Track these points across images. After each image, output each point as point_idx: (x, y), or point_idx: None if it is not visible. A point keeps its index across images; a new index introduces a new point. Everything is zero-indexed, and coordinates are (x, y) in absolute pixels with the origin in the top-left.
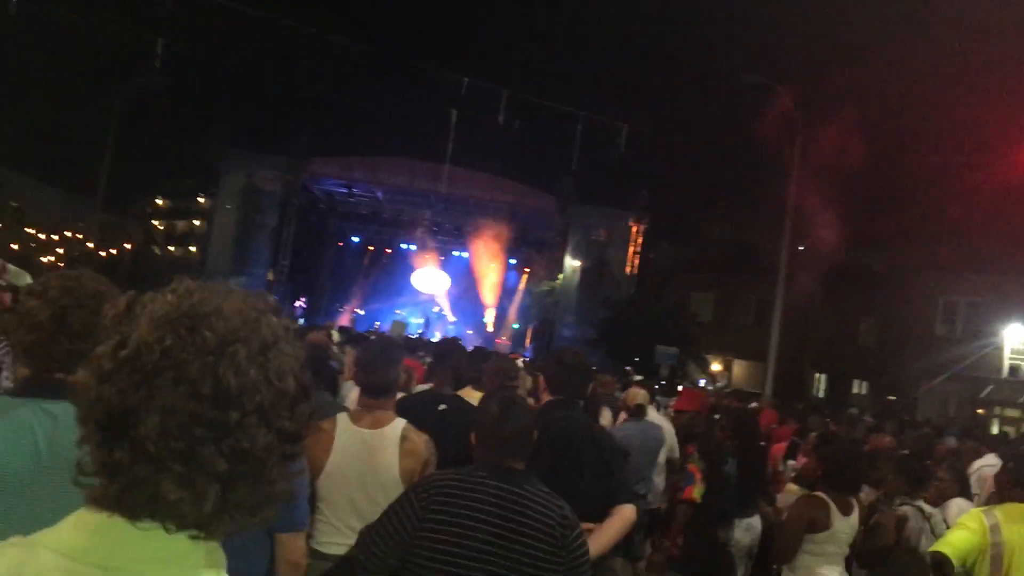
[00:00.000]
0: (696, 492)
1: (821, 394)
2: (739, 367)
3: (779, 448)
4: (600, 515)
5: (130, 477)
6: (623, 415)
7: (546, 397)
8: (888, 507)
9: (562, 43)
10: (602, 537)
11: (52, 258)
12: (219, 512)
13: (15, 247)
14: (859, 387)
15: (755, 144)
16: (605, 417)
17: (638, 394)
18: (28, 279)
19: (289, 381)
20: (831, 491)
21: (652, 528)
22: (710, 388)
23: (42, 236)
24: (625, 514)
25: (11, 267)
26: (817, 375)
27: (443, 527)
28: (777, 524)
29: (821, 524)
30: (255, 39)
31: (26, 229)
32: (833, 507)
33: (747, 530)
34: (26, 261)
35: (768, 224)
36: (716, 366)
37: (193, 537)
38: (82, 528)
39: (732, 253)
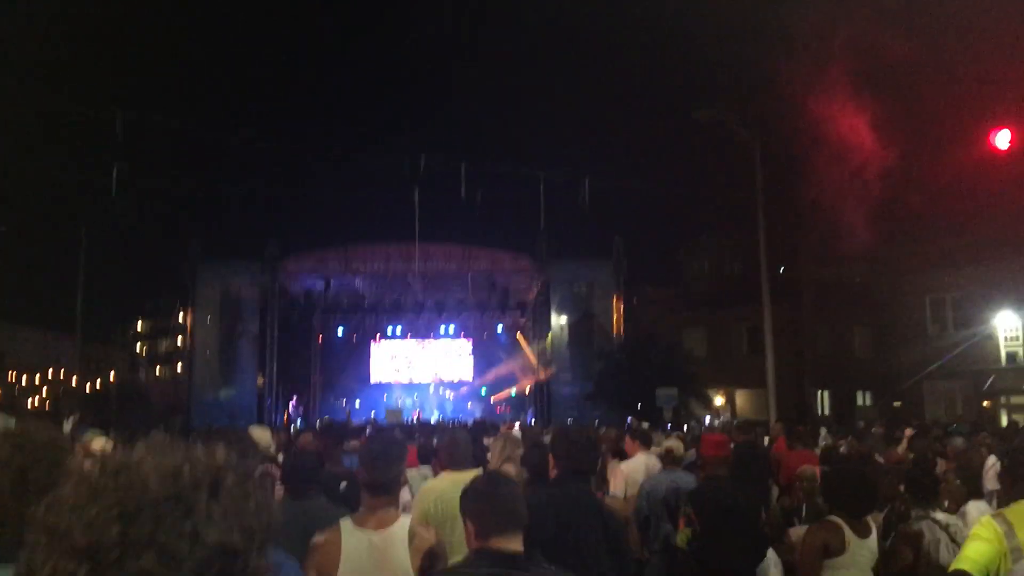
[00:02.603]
0: (680, 539)
1: (827, 411)
2: (741, 397)
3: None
4: None
5: None
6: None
7: (554, 472)
8: (904, 524)
9: (513, 104)
10: None
11: (37, 399)
12: None
13: None
14: (863, 398)
15: (720, 175)
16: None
17: (678, 447)
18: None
19: (178, 540)
20: (843, 514)
21: None
22: (716, 423)
23: (24, 379)
24: None
25: None
26: (820, 392)
27: None
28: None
29: (836, 548)
30: (211, 151)
31: (8, 374)
32: (847, 530)
33: (774, 564)
34: (10, 406)
35: (747, 252)
36: (719, 399)
37: None
38: None
39: (716, 286)
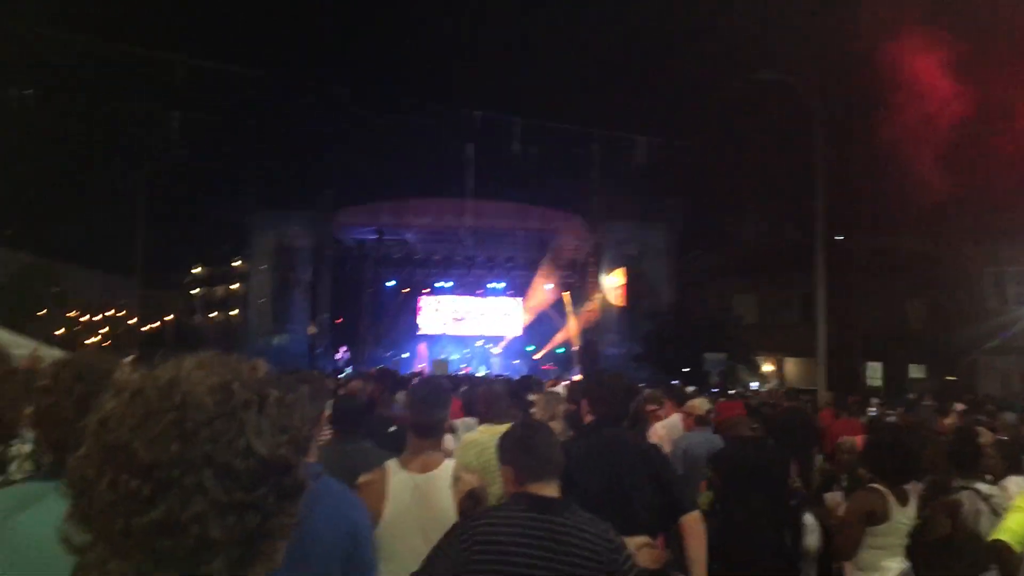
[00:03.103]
0: (701, 501)
1: (878, 383)
2: (791, 365)
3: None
4: (658, 528)
5: (89, 559)
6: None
7: (589, 419)
8: (944, 495)
9: (569, 62)
10: (697, 559)
11: (97, 338)
12: None
13: (59, 332)
14: (916, 372)
15: (779, 138)
16: (657, 434)
17: (703, 403)
18: None
19: (234, 456)
20: (884, 482)
21: None
22: (762, 389)
23: (84, 318)
24: (694, 526)
25: (44, 351)
26: (871, 364)
27: (489, 566)
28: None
29: (880, 516)
30: (270, 99)
31: (68, 314)
32: (891, 498)
33: (814, 531)
34: (71, 344)
35: (803, 218)
36: (767, 367)
37: None
38: None
39: (769, 252)
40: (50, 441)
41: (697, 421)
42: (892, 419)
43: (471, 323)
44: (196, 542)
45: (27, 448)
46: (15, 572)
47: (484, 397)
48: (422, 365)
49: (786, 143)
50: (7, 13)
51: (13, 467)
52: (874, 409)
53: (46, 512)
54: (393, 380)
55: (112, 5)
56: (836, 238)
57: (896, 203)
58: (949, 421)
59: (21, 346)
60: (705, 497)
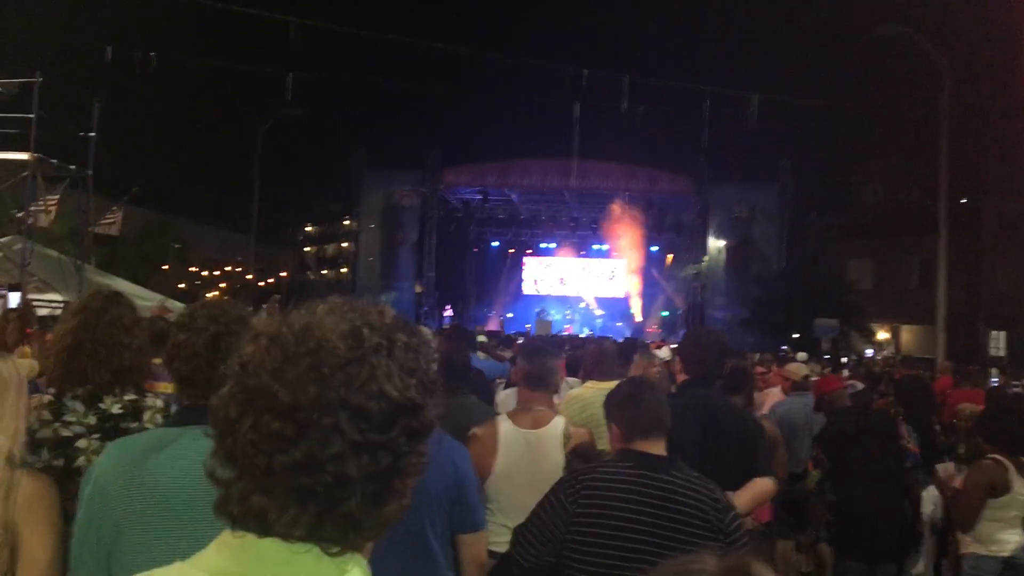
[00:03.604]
0: (809, 481)
1: (1001, 353)
2: (907, 333)
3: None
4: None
5: (232, 493)
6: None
7: (682, 378)
8: None
9: (679, 18)
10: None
11: (216, 292)
12: (329, 528)
13: (181, 286)
14: None
15: (900, 97)
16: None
17: (799, 368)
18: None
19: (367, 398)
20: (1006, 453)
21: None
22: (878, 358)
23: (204, 273)
24: (760, 486)
25: (172, 303)
26: (994, 333)
27: (595, 520)
28: (952, 493)
29: (1001, 488)
30: (379, 60)
31: (190, 268)
32: (1012, 469)
33: (934, 502)
34: (192, 297)
35: (924, 180)
36: (883, 334)
37: (329, 553)
38: (224, 550)
39: (888, 214)
40: (179, 375)
41: (794, 387)
42: (1017, 390)
43: (575, 284)
44: (334, 479)
45: (159, 402)
46: (155, 511)
47: (594, 355)
48: (527, 326)
49: (909, 100)
50: None
51: (146, 417)
52: (996, 379)
53: (180, 455)
54: (466, 337)
55: None
56: (960, 201)
57: None
58: None
59: (146, 299)
60: (812, 477)
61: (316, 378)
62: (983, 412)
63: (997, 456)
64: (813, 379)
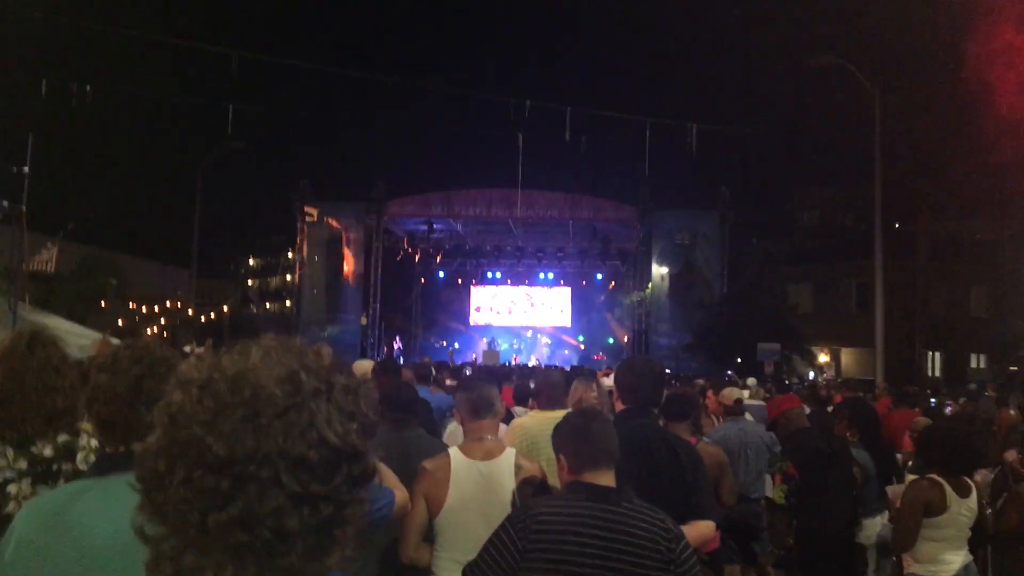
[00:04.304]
0: (775, 494)
1: (937, 373)
2: (847, 355)
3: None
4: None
5: (164, 551)
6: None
7: (620, 406)
8: (1018, 485)
9: (619, 49)
10: None
11: (155, 328)
12: None
13: (120, 323)
14: (976, 361)
15: (835, 125)
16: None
17: (732, 393)
18: None
19: (307, 447)
20: (943, 473)
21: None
22: (820, 380)
23: (144, 309)
24: (699, 529)
25: (113, 341)
26: (930, 354)
27: (547, 556)
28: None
29: (937, 507)
30: (322, 92)
31: (129, 304)
32: (948, 489)
33: (887, 525)
34: (131, 334)
35: (859, 205)
36: (823, 357)
37: None
38: None
39: (825, 239)
40: (100, 419)
41: (726, 412)
42: (950, 410)
43: (521, 314)
44: (273, 534)
45: (94, 442)
46: (83, 568)
47: (542, 385)
48: (473, 355)
49: (843, 128)
50: (67, 9)
51: (79, 458)
52: (933, 400)
53: (105, 506)
54: (394, 368)
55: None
56: (895, 225)
57: (959, 189)
58: (1012, 414)
59: (84, 336)
60: (779, 491)
61: (253, 429)
62: (922, 435)
63: (934, 476)
64: (755, 403)
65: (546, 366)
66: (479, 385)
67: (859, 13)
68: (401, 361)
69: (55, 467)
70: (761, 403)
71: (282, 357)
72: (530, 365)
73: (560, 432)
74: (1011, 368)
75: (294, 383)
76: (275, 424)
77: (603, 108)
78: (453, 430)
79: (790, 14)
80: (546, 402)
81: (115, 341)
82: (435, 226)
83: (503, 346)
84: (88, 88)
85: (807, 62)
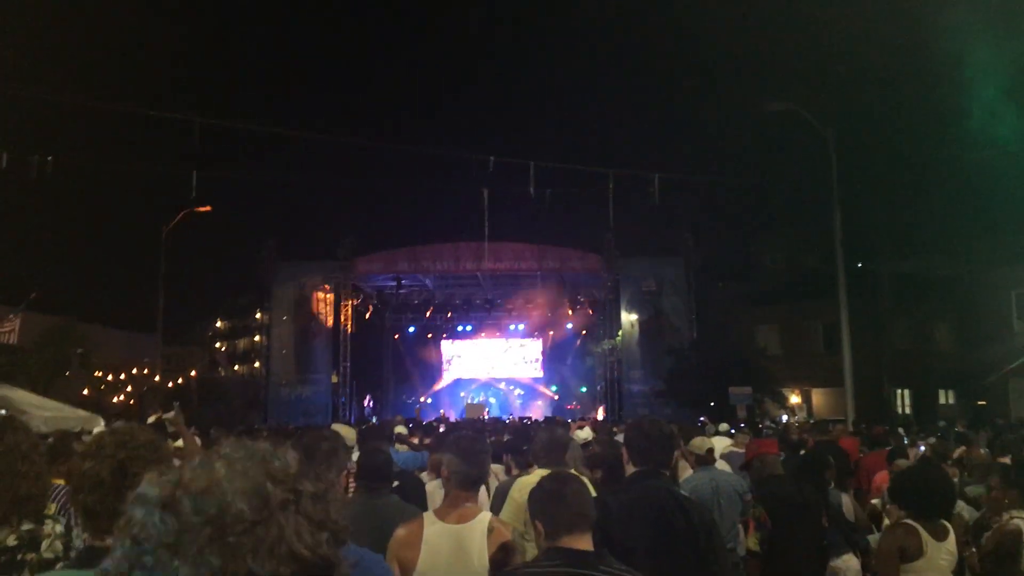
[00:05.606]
0: (750, 542)
1: (907, 410)
2: (818, 396)
3: (882, 478)
4: None
5: None
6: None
7: (630, 469)
8: (996, 523)
9: (583, 105)
10: None
11: (121, 397)
12: None
13: (85, 392)
14: (945, 397)
15: (793, 169)
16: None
17: (703, 442)
18: (101, 424)
19: (277, 563)
20: (917, 518)
21: None
22: (793, 422)
23: (109, 378)
24: None
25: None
26: (899, 391)
27: None
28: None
29: (913, 552)
30: (285, 152)
31: (94, 373)
32: (924, 533)
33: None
34: (97, 404)
35: (821, 246)
36: (795, 398)
37: None
38: None
39: (789, 281)
40: (85, 507)
41: (697, 461)
42: (922, 449)
43: (493, 366)
44: None
45: (59, 528)
46: None
47: (545, 443)
48: (442, 411)
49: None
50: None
51: (44, 546)
52: (906, 439)
53: None
54: (375, 432)
55: (124, 69)
56: (858, 265)
57: (919, 227)
58: (982, 452)
59: (48, 409)
60: (754, 538)
61: (220, 548)
62: (894, 480)
63: (908, 521)
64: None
65: (546, 418)
66: (479, 457)
67: (813, 60)
68: (374, 420)
69: (18, 556)
70: (743, 451)
71: (247, 468)
72: (507, 420)
73: (534, 498)
74: (979, 402)
75: (261, 496)
76: (243, 541)
77: (566, 161)
78: (432, 491)
79: (746, 63)
80: (547, 460)
81: (73, 412)
82: (403, 281)
83: (476, 400)
84: (49, 159)
85: (762, 108)
